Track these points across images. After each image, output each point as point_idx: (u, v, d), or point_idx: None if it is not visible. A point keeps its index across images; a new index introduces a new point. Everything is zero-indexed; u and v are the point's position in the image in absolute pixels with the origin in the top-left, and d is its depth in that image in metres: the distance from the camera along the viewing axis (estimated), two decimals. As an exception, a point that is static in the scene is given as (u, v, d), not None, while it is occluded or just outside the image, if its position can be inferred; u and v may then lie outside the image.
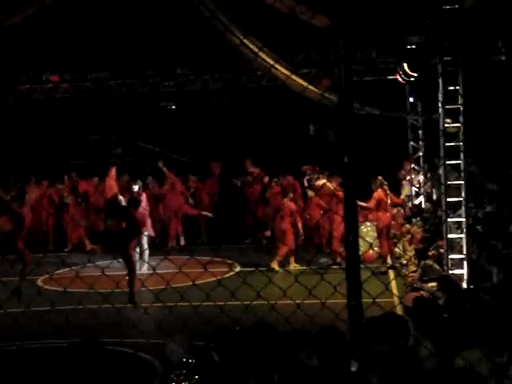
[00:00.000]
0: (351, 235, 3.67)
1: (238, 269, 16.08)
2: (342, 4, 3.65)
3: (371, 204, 15.64)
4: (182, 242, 19.25)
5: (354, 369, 3.79)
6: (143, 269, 16.07)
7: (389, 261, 15.76)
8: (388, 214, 16.02)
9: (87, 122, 22.90)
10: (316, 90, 14.31)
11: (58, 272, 15.82)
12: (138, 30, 17.18)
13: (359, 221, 16.06)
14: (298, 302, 4.55)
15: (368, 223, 16.65)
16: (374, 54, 18.42)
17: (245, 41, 10.98)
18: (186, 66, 20.04)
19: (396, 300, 11.67)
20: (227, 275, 14.33)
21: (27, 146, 22.92)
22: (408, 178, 19.79)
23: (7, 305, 12.45)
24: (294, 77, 13.08)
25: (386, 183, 16.29)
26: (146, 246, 16.59)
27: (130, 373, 8.67)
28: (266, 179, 19.76)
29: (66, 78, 20.46)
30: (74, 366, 3.74)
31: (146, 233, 16.71)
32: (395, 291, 13.37)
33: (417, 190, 19.70)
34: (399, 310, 10.36)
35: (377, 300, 4.39)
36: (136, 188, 17.03)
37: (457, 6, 11.80)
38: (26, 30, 14.93)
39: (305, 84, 13.49)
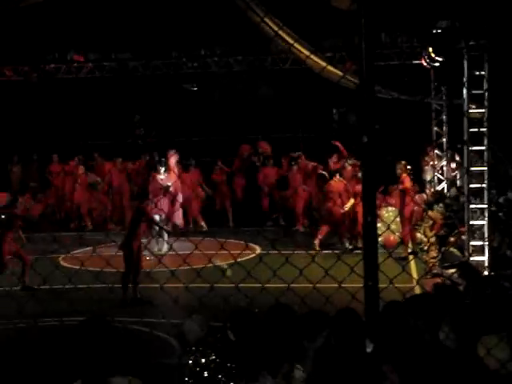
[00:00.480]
0: (369, 216, 3.63)
1: (258, 251, 16.08)
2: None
3: (407, 184, 15.37)
4: (205, 228, 19.20)
5: (369, 350, 3.78)
6: (164, 249, 16.14)
7: (410, 246, 15.67)
8: (411, 199, 15.87)
9: (110, 103, 22.94)
10: (336, 71, 14.19)
11: (78, 251, 15.93)
12: (162, 11, 17.13)
13: (381, 205, 16.03)
14: (314, 284, 4.52)
15: (390, 208, 16.55)
16: (400, 38, 18.27)
17: (265, 19, 10.91)
18: (209, 48, 20.00)
19: (415, 284, 11.60)
20: (248, 257, 14.33)
21: (50, 126, 22.99)
22: (431, 163, 19.63)
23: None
24: (313, 57, 12.97)
25: (409, 167, 16.12)
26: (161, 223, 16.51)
27: (147, 351, 8.74)
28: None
29: (90, 58, 20.53)
30: (83, 343, 3.74)
31: (162, 215, 16.63)
32: (414, 275, 13.30)
33: (439, 175, 19.55)
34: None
35: (396, 284, 4.36)
36: (162, 170, 17.07)
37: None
38: (51, 9, 14.93)
39: (324, 64, 13.39)
